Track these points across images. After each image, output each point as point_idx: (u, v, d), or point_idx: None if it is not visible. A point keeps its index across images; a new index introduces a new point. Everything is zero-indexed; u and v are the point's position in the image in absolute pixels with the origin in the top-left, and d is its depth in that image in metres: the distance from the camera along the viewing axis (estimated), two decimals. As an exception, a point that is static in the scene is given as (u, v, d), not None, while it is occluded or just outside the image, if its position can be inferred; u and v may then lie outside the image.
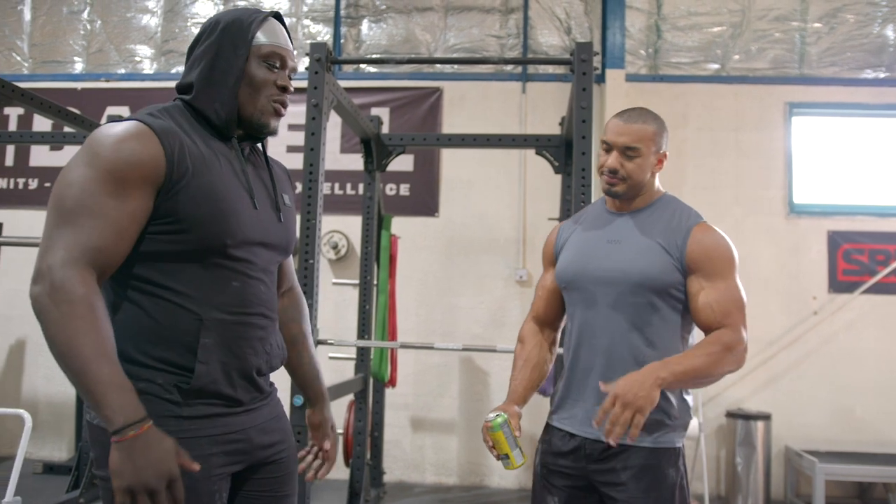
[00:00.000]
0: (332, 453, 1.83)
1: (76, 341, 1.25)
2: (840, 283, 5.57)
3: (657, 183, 2.07)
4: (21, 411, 2.12)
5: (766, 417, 5.25)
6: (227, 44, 1.51)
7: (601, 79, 5.73)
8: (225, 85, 1.51)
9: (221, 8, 6.42)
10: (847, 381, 5.48)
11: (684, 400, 1.97)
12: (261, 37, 1.53)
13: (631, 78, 5.83)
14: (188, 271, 1.44)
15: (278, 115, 1.58)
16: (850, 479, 5.08)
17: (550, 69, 5.99)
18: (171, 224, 1.42)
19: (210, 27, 1.55)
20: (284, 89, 1.57)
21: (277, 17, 1.59)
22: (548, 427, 2.09)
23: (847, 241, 5.59)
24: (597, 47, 5.79)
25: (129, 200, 1.36)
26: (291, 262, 1.84)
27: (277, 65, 1.56)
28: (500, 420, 1.87)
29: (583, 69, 3.39)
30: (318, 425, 1.84)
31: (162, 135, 1.41)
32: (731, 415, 5.32)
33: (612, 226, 2.03)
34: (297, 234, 3.21)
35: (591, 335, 1.95)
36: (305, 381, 1.83)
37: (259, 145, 1.68)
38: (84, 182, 1.35)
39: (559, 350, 2.18)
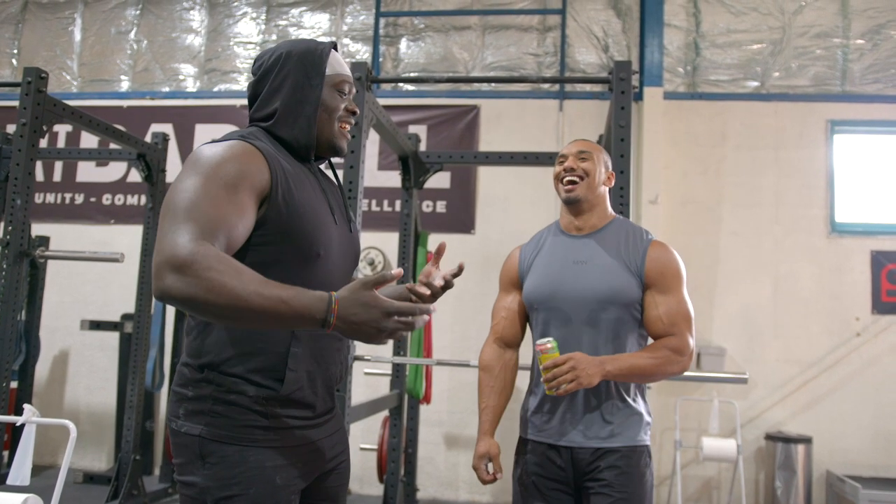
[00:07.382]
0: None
1: (238, 288, 1.26)
2: (884, 304, 5.44)
3: (609, 206, 2.29)
4: (66, 421, 2.16)
5: (806, 441, 5.14)
6: (302, 75, 1.62)
7: (639, 97, 5.72)
8: (304, 113, 1.62)
9: (263, 28, 6.55)
10: (891, 404, 5.34)
11: (645, 402, 2.17)
12: (331, 67, 1.65)
13: (669, 96, 5.80)
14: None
15: (346, 137, 1.71)
16: (895, 506, 4.95)
17: (588, 87, 5.98)
18: (269, 235, 1.50)
19: (280, 60, 1.62)
20: (354, 113, 1.70)
21: (334, 47, 1.70)
22: (523, 441, 2.24)
23: (891, 261, 5.47)
24: (635, 65, 5.81)
25: (239, 200, 1.41)
26: None
27: (346, 91, 1.68)
28: (552, 344, 2.01)
29: (621, 87, 3.38)
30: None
31: (266, 153, 1.50)
32: (771, 437, 5.21)
33: (576, 248, 2.22)
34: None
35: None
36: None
37: (325, 165, 1.78)
38: (196, 187, 1.38)
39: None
